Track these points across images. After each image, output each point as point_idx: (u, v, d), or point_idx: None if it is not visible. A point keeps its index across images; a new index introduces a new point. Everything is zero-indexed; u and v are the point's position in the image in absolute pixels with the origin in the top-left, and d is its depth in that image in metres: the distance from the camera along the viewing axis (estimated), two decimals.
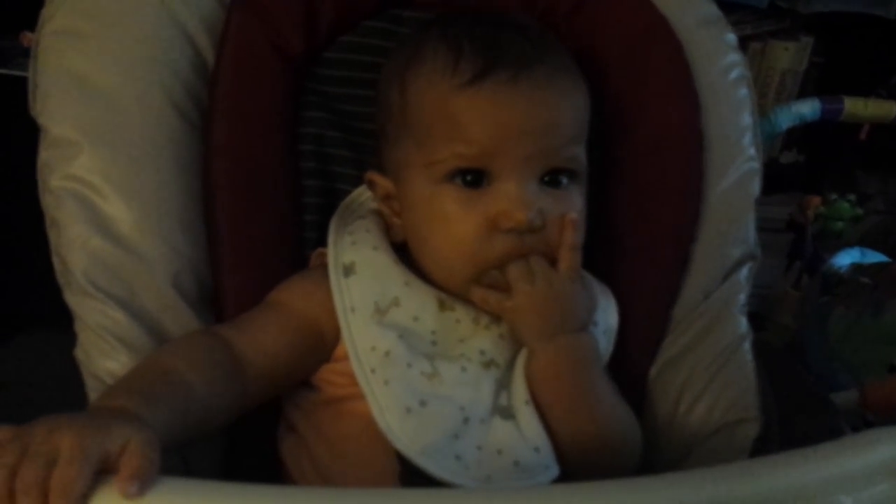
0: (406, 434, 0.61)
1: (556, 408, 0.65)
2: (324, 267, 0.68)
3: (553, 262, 0.67)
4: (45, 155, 0.68)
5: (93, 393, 0.65)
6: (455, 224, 0.65)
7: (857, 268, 1.49)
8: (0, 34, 1.31)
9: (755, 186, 0.80)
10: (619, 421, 0.67)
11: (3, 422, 0.48)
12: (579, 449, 0.64)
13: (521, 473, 0.62)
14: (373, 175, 0.72)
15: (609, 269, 0.76)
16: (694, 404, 0.75)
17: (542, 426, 0.64)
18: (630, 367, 0.76)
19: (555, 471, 0.63)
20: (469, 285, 0.67)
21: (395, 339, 0.64)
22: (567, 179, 0.68)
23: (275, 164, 0.74)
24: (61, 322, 0.68)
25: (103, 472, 0.46)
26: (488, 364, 0.66)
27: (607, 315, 0.73)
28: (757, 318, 1.60)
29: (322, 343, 0.67)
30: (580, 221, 0.69)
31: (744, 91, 0.81)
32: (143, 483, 0.44)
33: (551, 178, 0.67)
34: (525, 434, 0.63)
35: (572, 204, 0.68)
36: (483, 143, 0.64)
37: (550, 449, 0.64)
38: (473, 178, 0.65)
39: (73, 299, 0.67)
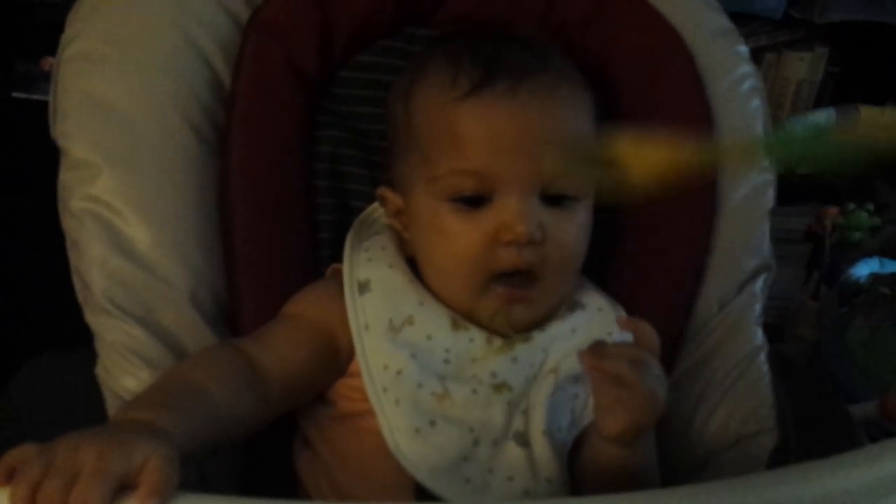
0: (415, 454, 0.61)
1: (602, 481, 0.63)
2: (338, 278, 0.69)
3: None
4: (65, 177, 0.70)
5: (112, 410, 0.66)
6: (455, 239, 0.65)
7: (875, 278, 1.48)
8: (21, 59, 1.33)
9: (769, 197, 0.80)
10: (650, 480, 0.65)
11: (24, 439, 0.49)
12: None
13: (530, 503, 0.61)
14: (384, 191, 0.72)
15: (622, 282, 0.76)
16: (709, 416, 0.75)
17: (558, 459, 0.63)
18: None
19: None
20: (473, 300, 0.67)
21: (407, 357, 0.64)
22: (570, 198, 0.67)
23: (291, 182, 0.75)
24: (81, 341, 0.69)
25: (125, 488, 0.47)
26: (500, 387, 0.66)
27: (623, 336, 0.73)
28: (775, 330, 1.59)
29: (338, 355, 0.67)
30: (584, 236, 0.68)
31: (756, 102, 0.81)
32: (161, 500, 0.45)
33: (553, 195, 0.66)
34: (538, 464, 0.63)
35: (574, 221, 0.67)
36: (482, 157, 0.64)
37: (564, 481, 0.63)
38: (475, 198, 0.65)
39: (92, 318, 0.68)
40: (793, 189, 0.86)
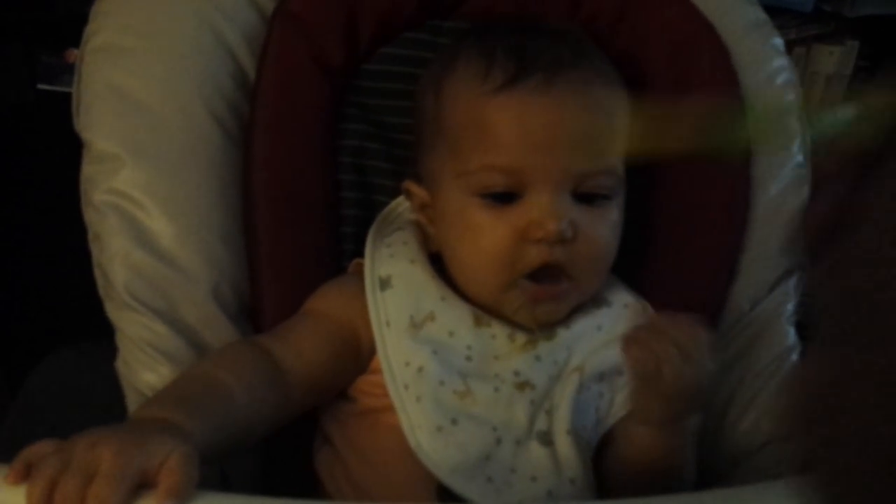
0: (436, 453, 0.60)
1: (636, 473, 0.62)
2: (360, 274, 0.68)
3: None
4: (88, 169, 0.69)
5: (133, 405, 0.66)
6: (484, 235, 0.64)
7: None
8: (45, 52, 1.34)
9: (804, 193, 0.78)
10: (683, 482, 0.64)
11: (43, 433, 0.48)
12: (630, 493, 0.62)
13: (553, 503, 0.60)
14: (409, 184, 0.71)
15: (652, 279, 0.74)
16: (741, 417, 0.73)
17: (582, 459, 0.62)
18: None
19: None
20: (500, 297, 0.65)
21: (428, 354, 0.63)
22: (602, 195, 0.65)
23: (314, 176, 0.74)
24: (102, 335, 0.69)
25: (143, 486, 0.46)
26: (522, 386, 0.65)
27: None
28: (809, 329, 1.56)
29: (359, 351, 0.66)
30: (615, 235, 0.67)
31: (791, 96, 0.79)
32: (180, 499, 0.45)
33: (585, 193, 0.64)
34: (562, 464, 0.62)
35: (606, 220, 0.66)
36: (512, 152, 0.63)
37: (588, 482, 0.62)
38: (505, 196, 0.64)
39: (114, 312, 0.68)
40: None
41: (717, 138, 0.47)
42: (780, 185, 0.77)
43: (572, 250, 0.63)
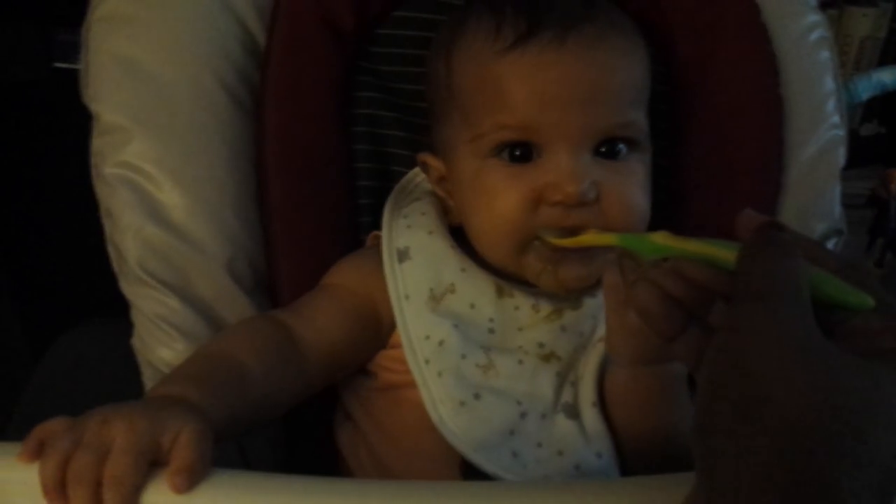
0: (459, 428, 0.59)
1: (630, 425, 0.61)
2: (378, 248, 0.66)
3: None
4: (97, 142, 0.68)
5: (149, 381, 0.65)
6: (499, 197, 0.61)
7: None
8: (62, 28, 1.33)
9: (840, 156, 0.75)
10: (679, 432, 0.62)
11: (60, 410, 0.48)
12: (645, 462, 0.60)
13: (581, 478, 0.59)
14: (425, 156, 0.69)
15: None
16: None
17: (608, 431, 0.60)
18: None
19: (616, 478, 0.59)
20: (517, 260, 0.63)
21: (449, 328, 0.61)
22: (626, 149, 0.63)
23: (328, 146, 0.72)
24: (117, 311, 0.68)
25: (156, 463, 0.45)
26: (548, 357, 0.63)
27: None
28: None
29: (379, 326, 0.65)
30: (644, 192, 0.64)
31: (825, 54, 0.76)
32: (192, 476, 0.44)
33: (608, 149, 0.62)
34: (589, 437, 0.60)
35: (632, 176, 0.63)
36: (528, 110, 0.60)
37: (613, 455, 0.60)
38: (521, 151, 0.61)
39: (128, 288, 0.67)
40: (856, 151, 0.80)
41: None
42: (815, 146, 0.74)
43: (599, 210, 0.61)
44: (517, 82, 0.60)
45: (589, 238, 0.58)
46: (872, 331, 0.41)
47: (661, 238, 0.49)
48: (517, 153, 0.61)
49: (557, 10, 0.61)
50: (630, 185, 0.62)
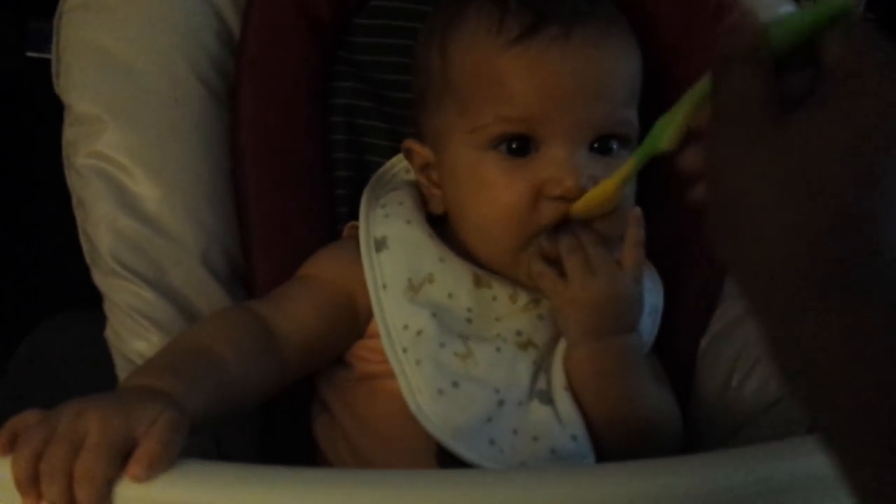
0: (437, 416, 0.59)
1: (595, 405, 0.62)
2: (356, 238, 0.66)
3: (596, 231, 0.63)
4: (69, 133, 0.67)
5: (123, 374, 0.65)
6: (499, 192, 0.62)
7: None
8: (35, 16, 1.31)
9: None
10: (659, 414, 0.64)
11: (33, 403, 0.47)
12: (616, 442, 0.61)
13: (557, 462, 0.59)
14: (411, 143, 0.69)
15: (659, 238, 0.72)
16: (746, 378, 0.71)
17: (581, 414, 0.61)
18: (679, 340, 0.72)
19: (591, 461, 0.60)
20: (514, 256, 0.63)
21: (427, 317, 0.62)
22: (618, 145, 0.64)
23: (304, 136, 0.72)
24: (91, 303, 0.67)
25: (131, 455, 0.45)
26: (525, 345, 0.63)
27: (652, 295, 0.69)
28: None
29: (356, 316, 0.64)
30: (631, 189, 0.65)
31: None
32: (152, 466, 0.43)
33: (601, 145, 0.63)
34: (563, 421, 0.61)
35: None
36: (529, 104, 0.60)
37: (588, 438, 0.61)
38: (519, 145, 0.62)
39: (101, 279, 0.66)
40: None
41: None
42: None
43: None
44: (521, 76, 0.60)
45: (603, 188, 0.59)
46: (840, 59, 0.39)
47: (662, 128, 0.49)
48: (514, 146, 0.62)
49: (562, 4, 0.62)
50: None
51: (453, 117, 0.64)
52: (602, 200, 0.59)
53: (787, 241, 0.36)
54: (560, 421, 0.61)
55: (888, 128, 0.36)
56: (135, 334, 0.65)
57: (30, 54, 1.28)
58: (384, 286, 0.63)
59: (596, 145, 0.62)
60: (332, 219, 0.73)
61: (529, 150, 0.62)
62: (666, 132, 0.48)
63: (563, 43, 0.60)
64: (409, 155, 0.70)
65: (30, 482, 0.44)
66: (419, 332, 0.61)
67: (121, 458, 0.44)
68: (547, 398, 0.62)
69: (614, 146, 0.63)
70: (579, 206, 0.60)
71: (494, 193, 0.62)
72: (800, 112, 0.37)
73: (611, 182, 0.58)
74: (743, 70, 0.40)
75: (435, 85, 0.66)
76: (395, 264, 0.64)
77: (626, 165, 0.56)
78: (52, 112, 0.70)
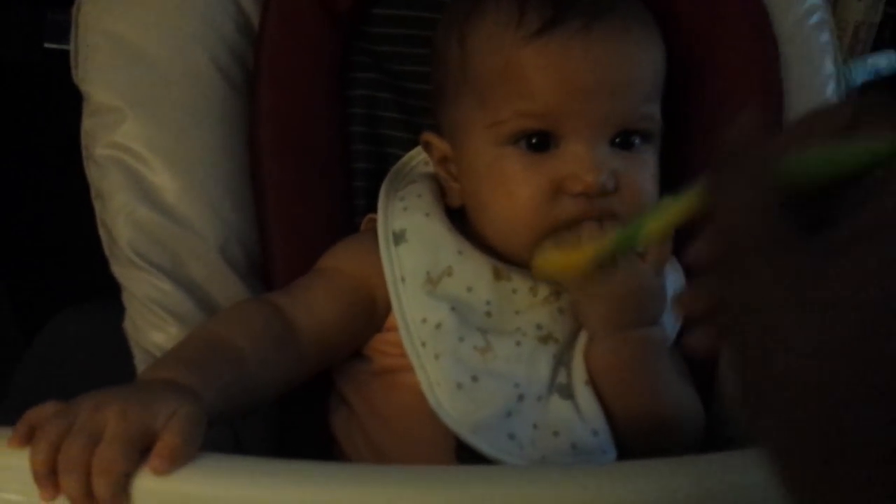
0: (456, 411, 0.58)
1: (616, 399, 0.61)
2: (374, 231, 0.66)
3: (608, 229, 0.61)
4: (88, 123, 0.67)
5: (141, 365, 0.64)
6: (518, 187, 0.61)
7: None
8: (54, 8, 1.31)
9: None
10: (681, 409, 0.63)
11: (50, 394, 0.47)
12: (638, 436, 0.61)
13: (578, 456, 0.58)
14: (429, 136, 0.68)
15: (679, 231, 0.71)
16: None
17: (601, 409, 0.60)
18: None
19: (612, 455, 0.59)
20: (533, 251, 0.62)
21: (446, 311, 0.61)
22: (640, 140, 0.63)
23: (323, 128, 0.71)
24: (110, 294, 0.67)
25: (149, 448, 0.45)
26: (545, 339, 0.62)
27: (676, 287, 0.68)
28: None
29: (374, 309, 0.64)
30: (655, 183, 0.64)
31: (825, 36, 0.75)
32: (174, 460, 0.43)
33: (623, 140, 0.62)
34: (584, 416, 0.60)
35: (646, 167, 0.63)
36: (550, 100, 0.60)
37: (609, 432, 0.60)
38: (539, 140, 0.61)
39: (119, 271, 0.66)
40: None
41: None
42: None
43: (614, 201, 0.60)
44: (542, 70, 0.60)
45: (582, 254, 0.57)
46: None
47: (647, 223, 0.45)
48: (534, 141, 0.61)
49: None
50: (644, 176, 0.62)
51: (472, 111, 0.63)
52: (570, 271, 0.58)
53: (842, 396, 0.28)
54: (581, 416, 0.60)
55: None
56: (153, 326, 0.64)
57: (48, 45, 1.28)
58: (402, 279, 0.62)
59: (618, 140, 0.62)
60: (350, 211, 0.73)
61: (549, 145, 0.61)
62: (649, 228, 0.44)
63: (583, 37, 0.59)
64: (427, 148, 0.69)
65: (47, 475, 0.43)
66: (438, 326, 0.60)
67: (139, 452, 0.44)
68: (567, 393, 0.61)
69: (636, 141, 0.62)
70: (543, 264, 0.59)
71: (513, 188, 0.61)
72: (846, 245, 0.30)
73: (582, 255, 0.56)
74: (754, 188, 0.33)
75: (453, 78, 0.65)
76: (413, 257, 0.63)
77: (601, 244, 0.55)
78: (70, 103, 0.70)
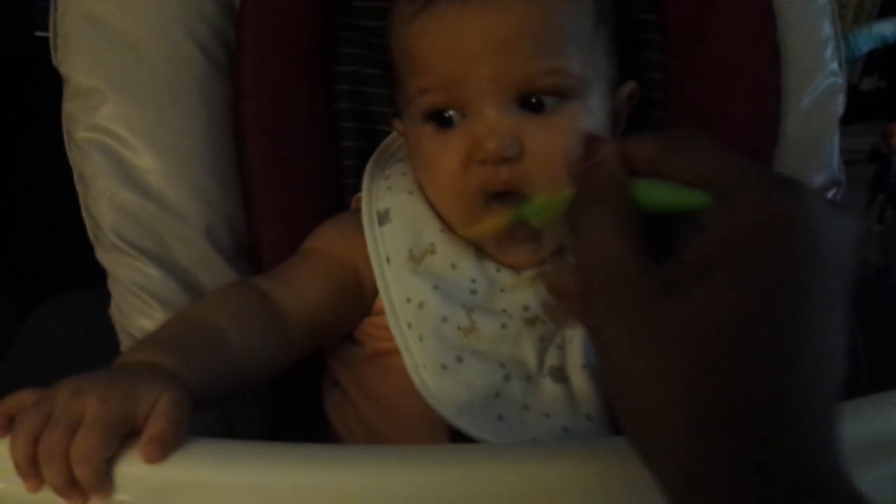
0: (442, 392, 0.57)
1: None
2: (360, 211, 0.64)
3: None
4: (68, 106, 0.66)
5: None
6: (435, 164, 0.60)
7: None
8: None
9: (838, 104, 0.72)
10: None
11: (37, 383, 0.46)
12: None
13: (569, 440, 0.57)
14: (397, 122, 0.68)
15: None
16: None
17: (598, 395, 0.58)
18: None
19: None
20: (466, 227, 0.61)
21: (429, 289, 0.60)
22: (554, 101, 0.59)
23: (309, 105, 0.70)
24: (96, 280, 0.66)
25: (132, 434, 0.44)
26: (532, 321, 0.61)
27: None
28: None
29: (361, 291, 0.63)
30: (578, 140, 0.60)
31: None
32: (165, 446, 0.42)
33: (538, 101, 0.59)
34: (578, 400, 0.58)
35: (561, 128, 0.59)
36: (440, 69, 0.58)
37: (606, 419, 0.58)
38: (449, 116, 0.60)
39: (104, 256, 0.65)
40: (856, 106, 0.78)
41: None
42: (813, 94, 0.71)
43: (522, 169, 0.58)
44: (427, 44, 0.59)
45: (493, 222, 0.54)
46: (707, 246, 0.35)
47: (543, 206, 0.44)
48: (447, 116, 0.60)
49: None
50: (558, 139, 0.58)
51: (398, 95, 0.64)
52: (477, 237, 0.59)
53: (689, 438, 0.33)
54: (574, 399, 0.58)
55: (788, 296, 0.33)
56: (139, 311, 0.64)
57: (39, 34, 1.27)
58: (388, 259, 0.61)
59: (534, 100, 0.59)
60: (338, 190, 0.71)
61: (458, 118, 0.59)
62: (543, 212, 0.43)
63: (460, 3, 0.58)
64: (400, 133, 0.69)
65: (29, 465, 0.42)
66: (421, 305, 0.59)
67: (120, 438, 0.43)
68: (561, 376, 0.59)
69: (547, 102, 0.59)
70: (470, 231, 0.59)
71: (433, 165, 0.61)
72: (683, 282, 0.34)
73: (479, 228, 0.56)
74: (603, 224, 0.36)
75: (391, 64, 0.65)
76: (397, 236, 0.62)
77: (497, 218, 0.53)
78: (61, 92, 0.69)
